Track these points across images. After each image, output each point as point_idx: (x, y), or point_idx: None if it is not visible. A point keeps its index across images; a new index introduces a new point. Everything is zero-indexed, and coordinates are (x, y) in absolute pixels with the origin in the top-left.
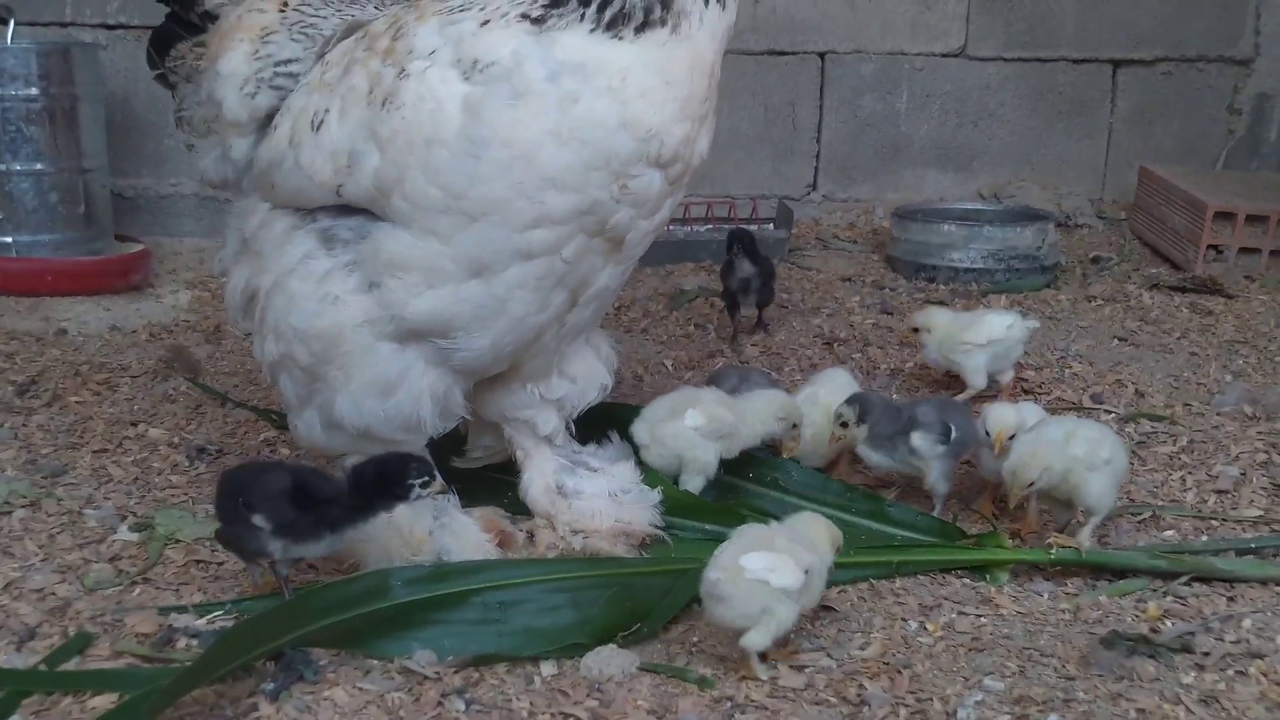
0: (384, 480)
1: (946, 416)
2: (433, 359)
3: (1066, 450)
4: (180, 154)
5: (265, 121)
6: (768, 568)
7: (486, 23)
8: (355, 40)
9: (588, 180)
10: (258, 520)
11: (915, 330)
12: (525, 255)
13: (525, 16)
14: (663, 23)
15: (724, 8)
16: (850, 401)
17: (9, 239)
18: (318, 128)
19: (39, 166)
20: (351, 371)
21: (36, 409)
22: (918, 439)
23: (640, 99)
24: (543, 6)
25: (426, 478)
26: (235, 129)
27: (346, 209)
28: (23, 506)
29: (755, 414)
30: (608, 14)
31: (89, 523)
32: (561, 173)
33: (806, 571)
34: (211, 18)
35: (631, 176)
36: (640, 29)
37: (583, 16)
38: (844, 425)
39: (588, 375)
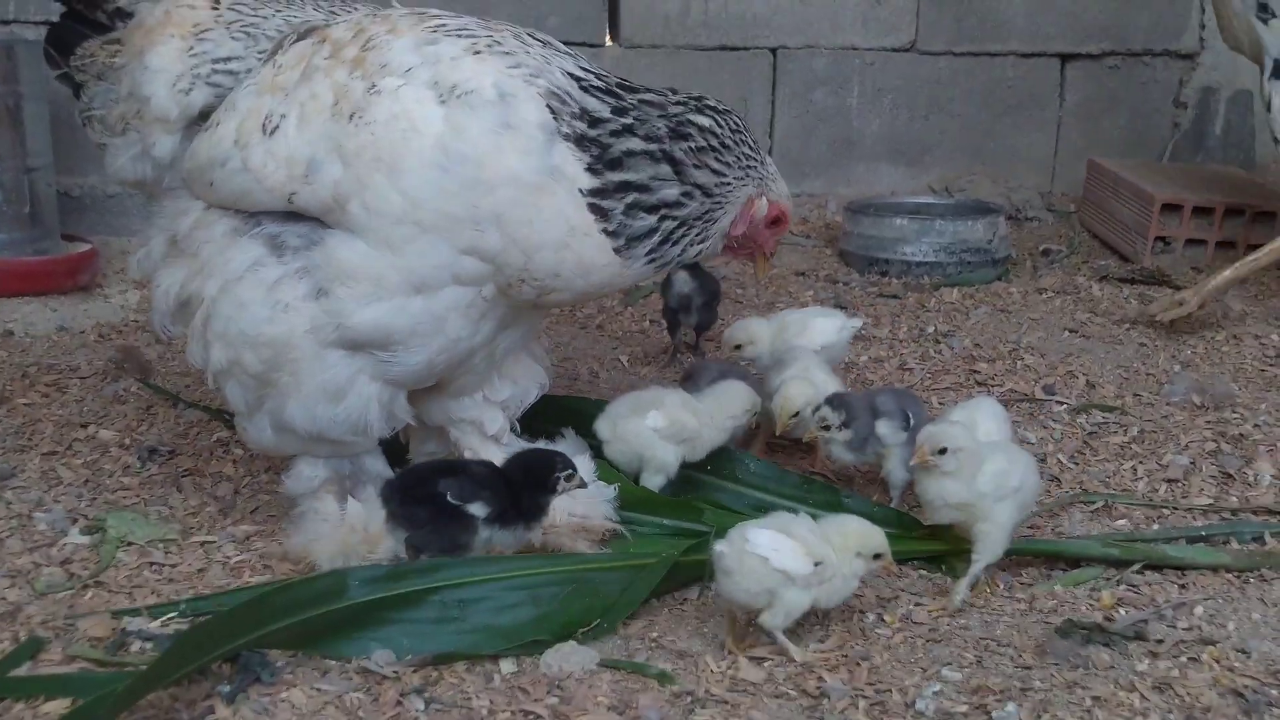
0: (534, 478)
1: (904, 405)
2: (372, 371)
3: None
4: None
5: (197, 119)
6: (771, 546)
7: (478, 53)
8: (313, 45)
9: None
10: (475, 509)
11: (737, 348)
12: (458, 279)
13: (519, 70)
14: None
15: None
16: (833, 404)
17: None
18: (271, 132)
19: None
20: (302, 378)
21: None
22: (882, 427)
23: None
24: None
25: (570, 471)
26: (162, 125)
27: (293, 215)
28: None
29: (721, 410)
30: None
31: (39, 526)
32: (509, 211)
33: (818, 564)
34: (125, 15)
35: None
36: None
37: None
38: (825, 428)
39: (527, 376)
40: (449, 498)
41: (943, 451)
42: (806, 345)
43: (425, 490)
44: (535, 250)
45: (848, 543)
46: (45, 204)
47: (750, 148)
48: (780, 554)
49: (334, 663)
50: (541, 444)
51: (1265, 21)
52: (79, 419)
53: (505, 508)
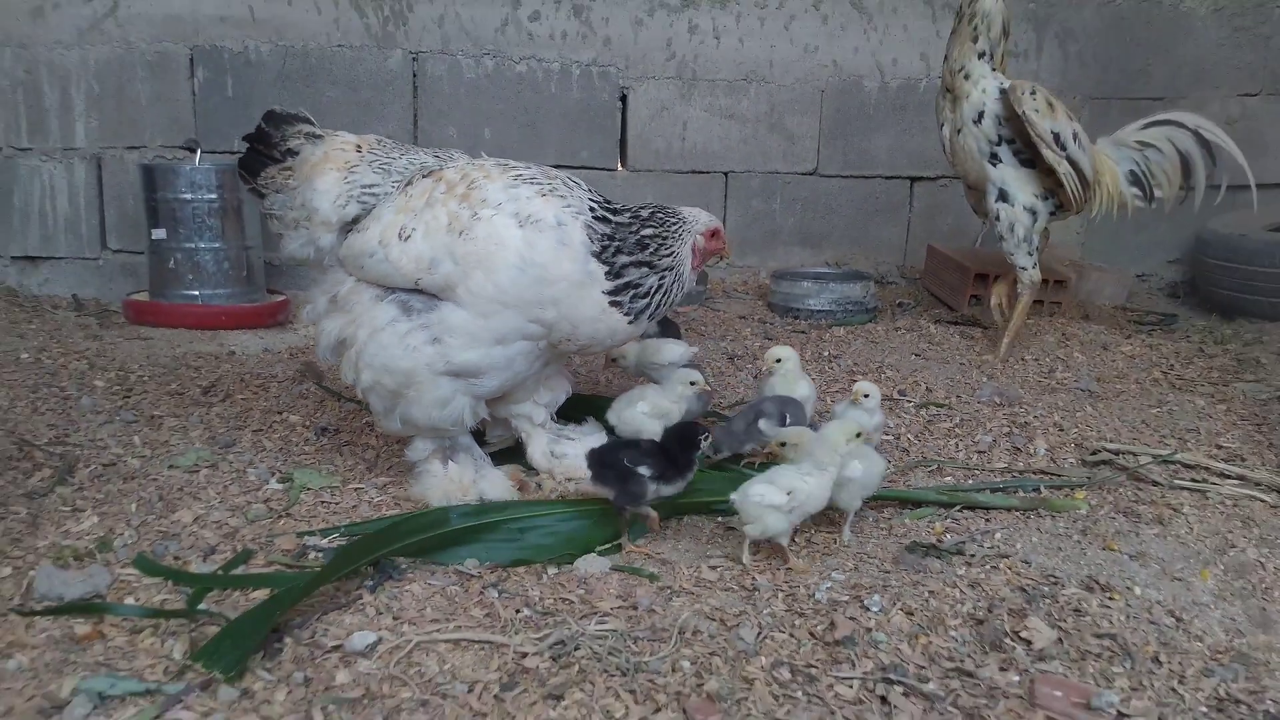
0: (685, 442)
1: (784, 408)
2: (465, 389)
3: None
4: None
5: (349, 224)
6: (760, 494)
7: (544, 195)
8: (432, 182)
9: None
10: (643, 470)
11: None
12: (525, 337)
13: (570, 207)
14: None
15: None
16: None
17: (197, 292)
18: (405, 239)
19: (217, 245)
20: (422, 394)
21: (215, 403)
22: (762, 424)
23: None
24: (597, 221)
25: (706, 434)
26: (325, 227)
27: (416, 290)
28: (206, 467)
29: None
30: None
31: (249, 477)
32: (563, 297)
33: (789, 493)
34: (293, 153)
35: None
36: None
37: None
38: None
39: (559, 387)
40: (626, 464)
41: (783, 445)
42: (659, 361)
43: (613, 459)
44: (580, 322)
45: (837, 443)
46: (256, 270)
47: (674, 220)
48: (766, 495)
49: (439, 567)
50: (570, 427)
51: (994, 165)
52: (276, 408)
53: (665, 468)
